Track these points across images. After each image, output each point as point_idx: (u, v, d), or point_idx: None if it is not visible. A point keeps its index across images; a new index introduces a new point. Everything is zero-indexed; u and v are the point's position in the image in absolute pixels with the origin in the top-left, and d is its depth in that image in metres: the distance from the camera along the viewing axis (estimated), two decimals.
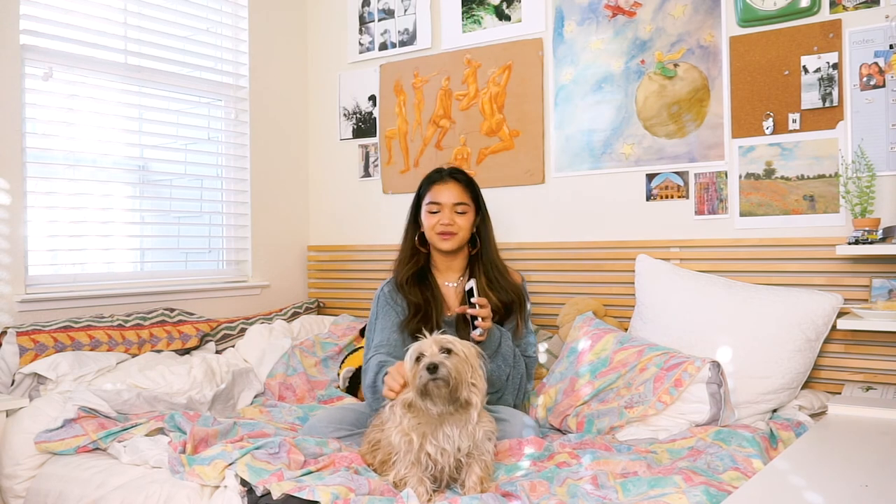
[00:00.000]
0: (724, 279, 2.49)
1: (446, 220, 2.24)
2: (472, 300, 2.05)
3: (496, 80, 3.07)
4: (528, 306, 2.36)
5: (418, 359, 1.70)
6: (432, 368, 1.66)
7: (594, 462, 1.84)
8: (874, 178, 2.27)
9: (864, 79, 2.37)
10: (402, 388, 1.76)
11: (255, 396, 2.73)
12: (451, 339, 1.73)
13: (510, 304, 2.25)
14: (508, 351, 2.18)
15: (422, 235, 2.33)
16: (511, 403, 2.23)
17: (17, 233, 2.56)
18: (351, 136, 3.50)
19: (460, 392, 1.70)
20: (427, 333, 1.76)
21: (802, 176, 2.48)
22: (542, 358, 2.70)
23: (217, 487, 1.79)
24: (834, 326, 2.27)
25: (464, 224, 2.27)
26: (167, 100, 3.12)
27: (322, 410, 2.47)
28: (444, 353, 1.70)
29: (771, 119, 2.52)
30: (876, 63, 2.35)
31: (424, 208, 2.31)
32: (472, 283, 2.08)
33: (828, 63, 2.42)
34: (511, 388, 2.21)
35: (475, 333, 2.05)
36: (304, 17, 3.65)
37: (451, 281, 2.35)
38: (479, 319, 2.05)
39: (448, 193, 2.28)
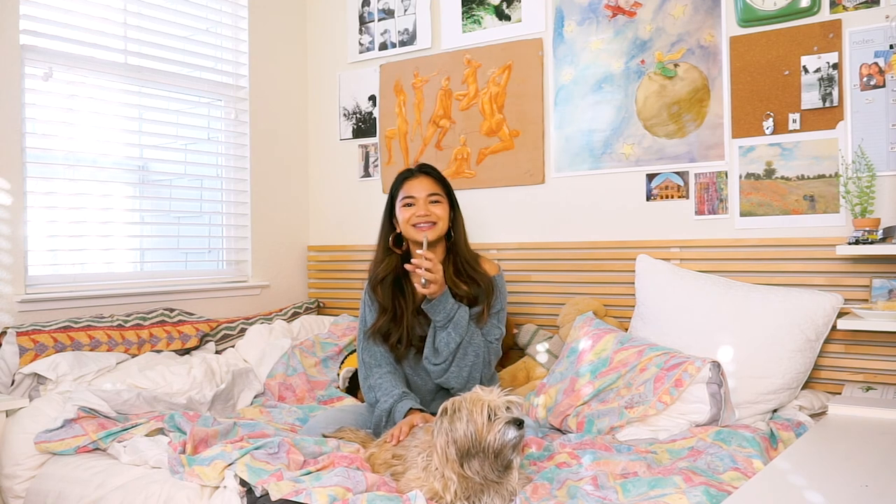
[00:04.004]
0: (724, 279, 2.49)
1: (422, 210, 2.22)
2: (421, 251, 2.08)
3: (496, 80, 3.07)
4: (502, 300, 2.30)
5: (489, 416, 1.60)
6: (520, 424, 1.59)
7: (594, 462, 1.83)
8: (874, 178, 2.27)
9: (864, 79, 2.36)
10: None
11: (255, 397, 2.73)
12: (512, 398, 1.65)
13: (476, 292, 2.23)
14: (462, 323, 2.13)
15: (396, 237, 2.31)
16: (455, 383, 2.16)
17: (17, 233, 2.56)
18: (351, 136, 3.50)
19: (515, 452, 1.63)
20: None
21: (802, 176, 2.48)
22: (543, 358, 2.71)
23: (217, 488, 1.79)
24: (834, 326, 2.27)
25: (441, 213, 2.24)
26: (167, 100, 3.12)
27: (321, 412, 2.47)
28: (507, 408, 1.63)
29: (771, 119, 2.52)
30: (876, 63, 2.35)
31: (399, 204, 2.27)
32: (424, 241, 2.13)
33: (828, 63, 2.41)
34: (458, 362, 2.15)
35: (419, 284, 2.07)
36: (304, 17, 3.65)
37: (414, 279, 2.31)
38: (424, 271, 2.06)
39: (420, 186, 2.26)
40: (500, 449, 1.60)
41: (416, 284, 2.11)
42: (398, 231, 2.29)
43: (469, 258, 2.29)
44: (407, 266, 2.12)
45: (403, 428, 1.92)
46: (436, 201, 2.25)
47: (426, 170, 2.32)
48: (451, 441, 1.62)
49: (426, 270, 2.05)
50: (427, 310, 2.15)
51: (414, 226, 2.22)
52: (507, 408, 1.63)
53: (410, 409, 2.08)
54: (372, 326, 2.24)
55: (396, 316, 2.23)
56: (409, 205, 2.25)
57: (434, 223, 2.22)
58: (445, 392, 2.25)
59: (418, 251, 2.10)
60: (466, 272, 2.24)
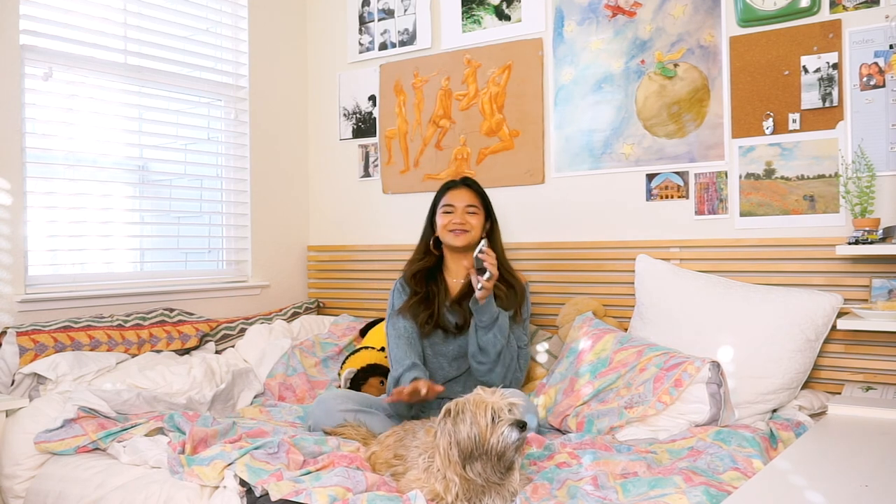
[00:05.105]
0: (724, 279, 2.49)
1: (458, 218, 2.43)
2: (482, 248, 2.24)
3: (496, 80, 3.07)
4: (528, 308, 2.48)
5: (493, 418, 1.61)
6: (523, 426, 1.61)
7: (594, 462, 1.83)
8: (874, 178, 2.27)
9: (864, 79, 2.36)
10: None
11: (255, 396, 2.73)
12: (512, 399, 1.65)
13: (510, 295, 2.39)
14: (505, 326, 2.31)
15: (436, 240, 2.49)
16: (499, 382, 2.29)
17: (17, 233, 2.56)
18: (351, 136, 3.50)
19: (517, 453, 1.64)
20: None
21: (802, 176, 2.48)
22: (542, 358, 2.70)
23: (216, 488, 1.79)
24: (834, 326, 2.27)
25: (475, 223, 2.44)
26: (167, 100, 3.12)
27: (331, 390, 2.58)
28: (509, 410, 1.63)
29: (771, 119, 2.52)
30: (876, 63, 2.35)
31: (439, 210, 2.48)
32: (483, 241, 2.26)
33: (828, 63, 2.41)
34: (502, 363, 2.31)
35: (483, 277, 2.21)
36: (304, 17, 3.65)
37: (459, 279, 2.49)
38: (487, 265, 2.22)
39: (461, 196, 2.47)
40: (503, 451, 1.60)
41: (479, 280, 2.22)
42: (436, 235, 2.49)
43: (506, 265, 2.47)
44: (480, 255, 2.24)
45: (405, 389, 2.08)
46: (472, 212, 2.45)
47: (468, 182, 2.53)
48: (453, 443, 1.62)
49: (490, 264, 2.23)
50: (476, 311, 2.29)
51: (451, 231, 2.43)
52: (510, 410, 1.63)
53: (415, 378, 2.19)
54: (404, 304, 2.42)
55: (428, 298, 2.42)
56: (448, 212, 2.45)
57: (467, 231, 2.42)
58: (456, 380, 2.40)
59: (482, 247, 2.23)
60: (504, 276, 2.41)
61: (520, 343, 2.41)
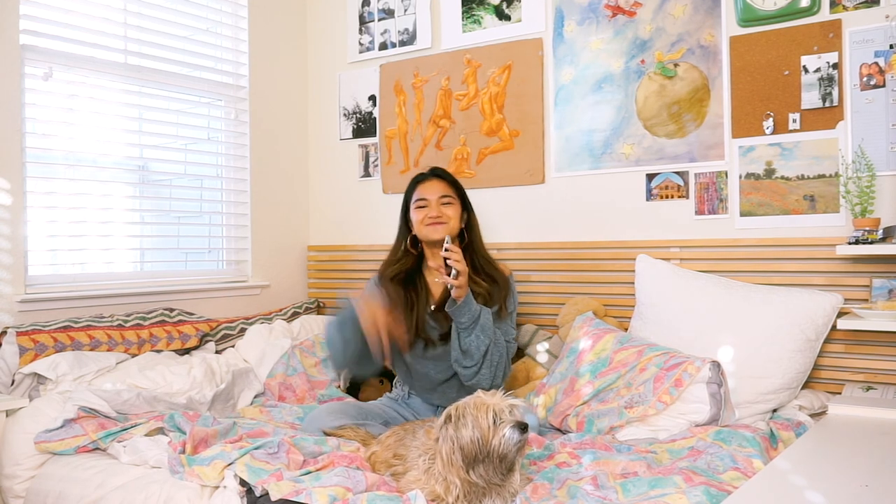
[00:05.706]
0: (724, 279, 2.49)
1: (434, 211, 2.30)
2: (446, 246, 2.11)
3: (496, 80, 3.07)
4: (514, 300, 2.37)
5: (494, 420, 1.60)
6: (524, 427, 1.61)
7: (594, 462, 1.83)
8: (874, 177, 2.27)
9: (864, 79, 2.36)
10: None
11: (255, 396, 2.72)
12: (515, 401, 1.65)
13: (493, 290, 2.29)
14: (488, 325, 2.17)
15: (413, 239, 2.38)
16: (487, 384, 2.20)
17: (17, 233, 2.56)
18: (351, 136, 3.50)
19: (518, 454, 1.64)
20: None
21: (802, 176, 2.48)
22: (543, 358, 2.70)
23: (216, 488, 1.79)
24: (834, 326, 2.27)
25: (452, 214, 2.32)
26: (167, 100, 3.12)
27: (324, 404, 2.50)
28: (510, 412, 1.63)
29: (771, 119, 2.52)
30: (876, 63, 2.35)
31: (413, 206, 2.35)
32: (447, 238, 2.15)
33: (828, 63, 2.41)
34: (488, 364, 2.19)
35: (450, 276, 2.08)
36: (304, 17, 3.65)
37: (440, 277, 2.34)
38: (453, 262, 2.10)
39: (433, 188, 2.34)
40: (505, 453, 1.60)
41: (445, 278, 2.11)
42: (413, 233, 2.36)
43: (487, 257, 2.37)
44: (443, 253, 2.13)
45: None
46: (448, 203, 2.33)
47: (438, 172, 2.41)
48: (456, 448, 1.62)
49: (455, 261, 2.10)
50: (452, 312, 2.16)
51: (428, 226, 2.30)
52: (511, 411, 1.64)
53: None
54: None
55: (407, 307, 2.29)
56: (422, 206, 2.32)
57: (444, 223, 2.29)
58: (447, 383, 2.31)
59: (446, 245, 2.12)
60: (484, 269, 2.32)
61: (507, 337, 2.30)
